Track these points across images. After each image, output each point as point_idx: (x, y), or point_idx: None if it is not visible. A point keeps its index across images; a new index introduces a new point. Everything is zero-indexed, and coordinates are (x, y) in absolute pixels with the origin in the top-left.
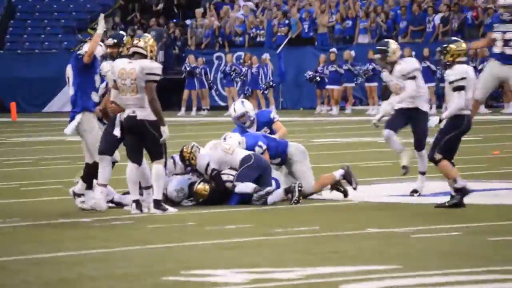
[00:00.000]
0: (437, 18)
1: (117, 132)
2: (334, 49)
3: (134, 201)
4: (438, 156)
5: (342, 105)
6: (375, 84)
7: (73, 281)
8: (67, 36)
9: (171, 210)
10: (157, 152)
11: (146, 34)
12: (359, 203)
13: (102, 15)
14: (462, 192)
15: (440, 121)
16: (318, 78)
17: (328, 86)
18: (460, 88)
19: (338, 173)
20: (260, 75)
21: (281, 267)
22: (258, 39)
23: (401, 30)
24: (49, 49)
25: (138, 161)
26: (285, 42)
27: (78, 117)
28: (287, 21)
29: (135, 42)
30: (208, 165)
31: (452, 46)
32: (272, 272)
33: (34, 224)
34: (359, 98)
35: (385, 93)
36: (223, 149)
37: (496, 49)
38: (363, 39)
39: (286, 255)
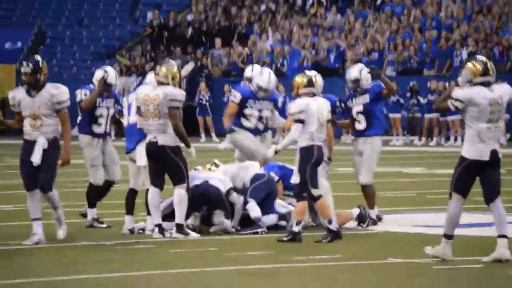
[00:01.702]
0: (465, 53)
1: (35, 158)
2: None
3: (156, 225)
4: (316, 192)
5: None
6: (399, 115)
7: None
8: (96, 63)
9: (193, 235)
10: (179, 177)
11: (170, 61)
12: (380, 233)
13: (191, 64)
14: (334, 234)
15: (276, 152)
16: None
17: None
18: (298, 121)
19: (355, 212)
20: (286, 104)
21: None
22: (285, 68)
23: (427, 64)
24: (77, 74)
25: (159, 185)
26: None
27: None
28: (313, 52)
29: (157, 70)
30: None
31: (296, 79)
32: None
33: (54, 246)
34: (384, 129)
35: (411, 124)
36: (240, 166)
37: None
38: (391, 71)
39: (307, 283)
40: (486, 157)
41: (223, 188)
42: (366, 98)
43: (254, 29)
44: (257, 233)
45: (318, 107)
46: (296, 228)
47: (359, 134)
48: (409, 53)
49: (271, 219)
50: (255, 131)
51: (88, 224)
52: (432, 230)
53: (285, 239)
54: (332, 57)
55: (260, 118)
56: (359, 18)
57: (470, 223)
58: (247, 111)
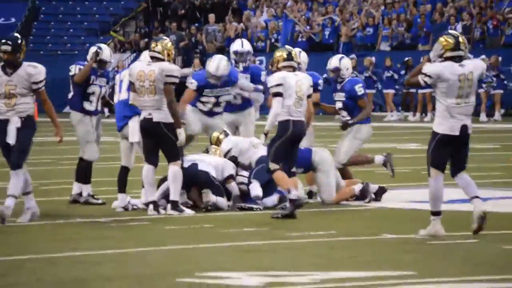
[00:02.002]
0: (459, 27)
1: (10, 139)
2: (353, 56)
3: (151, 202)
4: (272, 166)
5: None
6: (393, 91)
7: (88, 280)
8: (90, 38)
9: (188, 212)
10: (174, 153)
11: (164, 38)
12: (376, 209)
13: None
14: (295, 203)
15: (266, 135)
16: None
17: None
18: (277, 95)
19: (357, 188)
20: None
21: (296, 271)
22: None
23: (422, 39)
24: (71, 50)
25: (154, 162)
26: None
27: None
28: (308, 27)
29: (152, 46)
30: (229, 151)
31: (276, 53)
32: (288, 276)
33: (51, 223)
34: (378, 104)
35: (405, 99)
36: (251, 142)
37: None
38: (385, 46)
39: (302, 259)
40: (456, 132)
41: (214, 172)
42: (342, 96)
43: (248, 4)
44: (252, 209)
45: (297, 81)
46: (292, 195)
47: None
48: (403, 28)
49: (272, 200)
50: (211, 113)
51: (84, 200)
52: (427, 206)
53: (277, 215)
54: (327, 32)
55: (216, 104)
56: None
57: (463, 198)
58: (203, 98)
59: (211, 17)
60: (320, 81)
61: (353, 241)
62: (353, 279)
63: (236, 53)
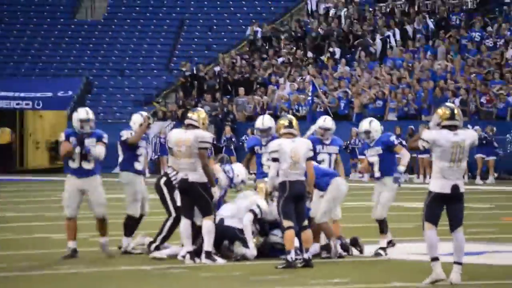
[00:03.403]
0: (457, 101)
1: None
2: None
3: (188, 252)
4: (286, 223)
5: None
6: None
7: None
8: (136, 108)
9: (220, 261)
10: (207, 209)
11: (199, 108)
12: (385, 260)
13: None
14: (289, 264)
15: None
16: (350, 148)
17: (360, 156)
18: (273, 160)
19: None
20: None
21: None
22: (300, 113)
23: (424, 110)
24: (120, 119)
25: (190, 217)
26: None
27: None
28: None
29: (189, 115)
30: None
31: (279, 121)
32: None
33: (98, 271)
34: None
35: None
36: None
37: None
38: (392, 116)
39: None
40: (447, 190)
41: (238, 224)
42: (378, 150)
43: (273, 79)
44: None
45: (293, 147)
46: (289, 257)
47: (377, 178)
48: (407, 100)
49: (315, 249)
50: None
51: (123, 250)
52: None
53: (280, 266)
54: (342, 104)
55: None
56: (364, 70)
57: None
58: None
59: (241, 90)
60: (343, 146)
61: None
62: None
63: (258, 130)
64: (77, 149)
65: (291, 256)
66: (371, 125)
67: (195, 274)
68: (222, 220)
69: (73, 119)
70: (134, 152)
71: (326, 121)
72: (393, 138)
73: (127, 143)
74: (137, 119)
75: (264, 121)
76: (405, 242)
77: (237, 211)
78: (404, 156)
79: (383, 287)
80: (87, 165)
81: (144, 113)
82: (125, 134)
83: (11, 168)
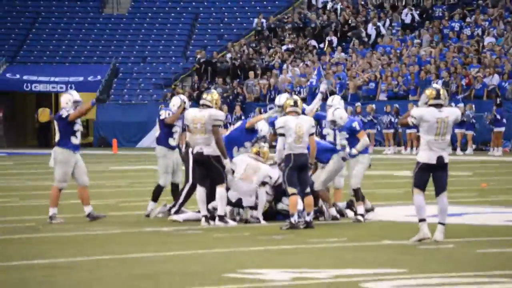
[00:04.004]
0: (440, 82)
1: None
2: (359, 103)
3: (203, 216)
4: (290, 190)
5: None
6: (391, 130)
7: (155, 275)
8: (156, 91)
9: (231, 223)
10: (220, 178)
11: (212, 90)
12: (377, 221)
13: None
14: (292, 226)
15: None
16: None
17: None
18: (280, 135)
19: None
20: None
21: (315, 269)
22: (302, 95)
23: (411, 91)
24: (142, 100)
25: (205, 185)
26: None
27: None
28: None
29: (204, 96)
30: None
31: (286, 101)
32: (309, 272)
33: (125, 232)
34: (378, 141)
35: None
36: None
37: None
38: (383, 97)
39: (320, 259)
40: (433, 160)
41: (253, 199)
42: (344, 135)
43: (277, 65)
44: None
45: (297, 124)
46: (292, 219)
47: (352, 156)
48: (397, 82)
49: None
50: None
51: (147, 213)
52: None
53: (284, 228)
54: (338, 86)
55: None
56: (358, 55)
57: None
58: None
59: (251, 74)
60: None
61: (360, 245)
62: (360, 275)
63: (276, 105)
64: (79, 127)
65: (294, 218)
66: (335, 114)
67: (209, 235)
68: (240, 200)
69: (65, 100)
70: (170, 130)
71: (333, 101)
72: (355, 124)
73: (165, 122)
74: (176, 101)
75: (281, 98)
76: (396, 206)
77: (253, 189)
78: (362, 142)
79: (375, 245)
80: (79, 141)
81: (183, 96)
82: (163, 114)
83: (50, 143)
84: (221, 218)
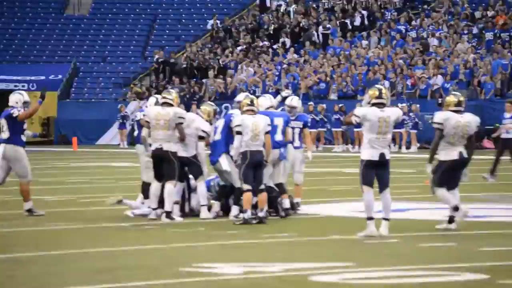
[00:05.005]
0: (387, 83)
1: None
2: (311, 103)
3: (164, 212)
4: (245, 186)
5: (316, 144)
6: (340, 129)
7: (113, 269)
8: (116, 90)
9: (178, 219)
10: (171, 174)
11: (171, 90)
12: (326, 217)
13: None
14: (245, 221)
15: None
16: None
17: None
18: (237, 133)
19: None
20: None
21: (267, 262)
22: (257, 93)
23: (360, 91)
24: (102, 99)
25: (161, 181)
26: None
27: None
28: (278, 82)
29: (165, 95)
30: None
31: (243, 100)
32: (261, 266)
33: (85, 227)
34: (328, 139)
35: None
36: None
37: None
38: (334, 96)
39: (271, 254)
40: (376, 158)
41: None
42: (299, 124)
43: (231, 65)
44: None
45: (254, 122)
46: (245, 215)
47: (296, 148)
48: (346, 82)
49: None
50: None
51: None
52: (363, 214)
53: (237, 223)
54: (289, 86)
55: None
56: (310, 57)
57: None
58: None
59: (210, 74)
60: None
61: (309, 240)
62: (308, 269)
63: (287, 106)
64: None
65: (248, 214)
66: (293, 100)
67: (167, 230)
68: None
69: (15, 100)
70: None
71: (293, 101)
72: (309, 119)
73: (141, 123)
74: (152, 101)
75: (292, 101)
76: (344, 202)
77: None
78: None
79: (324, 239)
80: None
81: (158, 96)
82: (139, 115)
83: None
84: (168, 214)
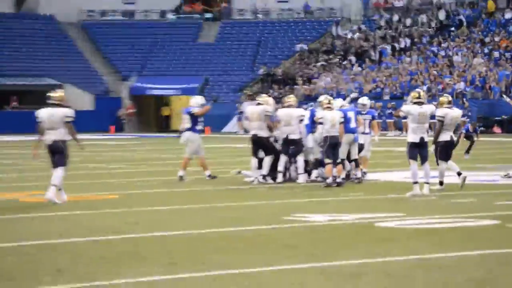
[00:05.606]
0: (425, 87)
1: None
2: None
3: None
4: (327, 161)
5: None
6: (392, 120)
7: (239, 218)
8: (234, 94)
9: (270, 182)
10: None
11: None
12: (384, 181)
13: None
14: (329, 184)
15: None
16: None
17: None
18: (319, 123)
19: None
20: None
21: (344, 213)
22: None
23: (406, 94)
24: (225, 100)
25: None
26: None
27: None
28: (347, 88)
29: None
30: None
31: (320, 99)
32: (340, 216)
33: (215, 189)
34: (383, 127)
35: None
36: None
37: None
38: (387, 97)
39: (347, 207)
40: (417, 140)
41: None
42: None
43: (314, 75)
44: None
45: (331, 116)
46: (328, 181)
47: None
48: (395, 87)
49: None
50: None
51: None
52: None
53: (322, 186)
54: (358, 90)
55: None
56: (371, 69)
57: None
58: None
59: (299, 82)
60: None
61: (372, 198)
62: (372, 218)
63: (360, 104)
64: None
65: (329, 180)
66: (364, 99)
67: (274, 191)
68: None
69: (194, 102)
70: (197, 119)
71: (364, 100)
72: (376, 113)
73: (195, 114)
74: (201, 99)
75: (363, 100)
76: (397, 171)
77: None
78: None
79: (383, 197)
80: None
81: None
82: (192, 109)
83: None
84: (264, 176)
